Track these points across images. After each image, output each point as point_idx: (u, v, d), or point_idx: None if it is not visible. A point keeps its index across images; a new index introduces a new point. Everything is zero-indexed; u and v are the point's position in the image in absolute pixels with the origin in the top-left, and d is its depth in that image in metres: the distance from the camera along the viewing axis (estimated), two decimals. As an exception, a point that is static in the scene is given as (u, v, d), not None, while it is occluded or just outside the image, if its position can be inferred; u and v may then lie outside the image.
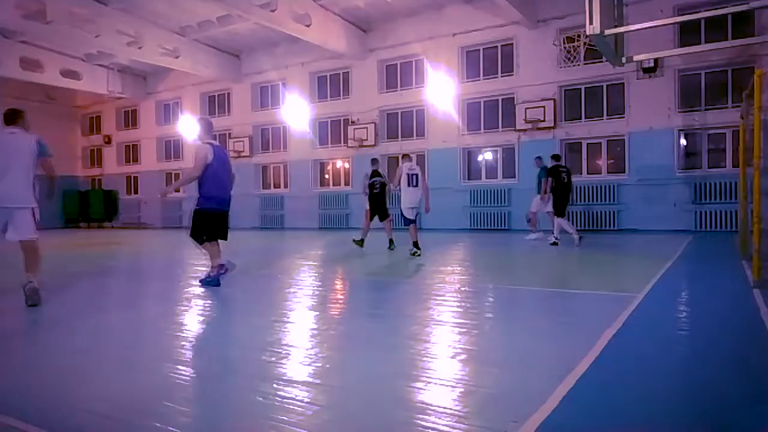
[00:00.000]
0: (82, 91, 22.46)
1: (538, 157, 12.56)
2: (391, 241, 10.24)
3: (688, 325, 4.19)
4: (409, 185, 9.26)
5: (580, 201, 14.86)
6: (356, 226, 18.71)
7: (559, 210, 10.92)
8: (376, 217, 10.46)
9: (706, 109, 13.82)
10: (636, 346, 3.55)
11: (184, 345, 3.81)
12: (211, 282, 6.19)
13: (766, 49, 12.60)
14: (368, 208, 10.37)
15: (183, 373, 3.09)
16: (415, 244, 9.13)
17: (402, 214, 9.51)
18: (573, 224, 11.14)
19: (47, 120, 21.81)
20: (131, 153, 25.99)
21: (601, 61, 13.52)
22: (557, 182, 10.83)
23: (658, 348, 3.50)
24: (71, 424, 2.43)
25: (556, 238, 10.75)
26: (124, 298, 6.17)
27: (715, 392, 2.69)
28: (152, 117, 24.75)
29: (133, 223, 24.93)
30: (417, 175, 9.36)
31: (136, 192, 25.72)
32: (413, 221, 9.34)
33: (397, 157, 18.34)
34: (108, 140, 26.11)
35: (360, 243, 10.42)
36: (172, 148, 24.56)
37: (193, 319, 4.76)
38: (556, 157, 11.45)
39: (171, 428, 2.32)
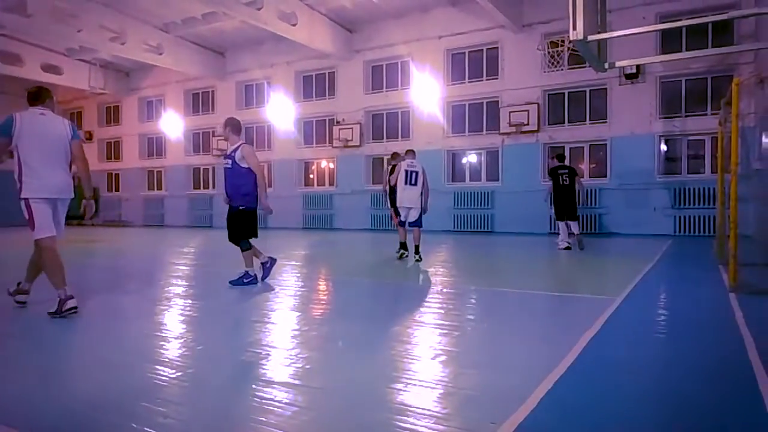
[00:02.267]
0: (63, 86, 22.07)
1: (554, 158, 12.08)
2: (403, 245, 9.08)
3: (666, 329, 4.25)
4: (406, 183, 8.58)
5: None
6: (340, 227, 18.72)
7: (558, 213, 10.56)
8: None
9: (686, 116, 14.07)
10: (614, 348, 3.59)
11: (163, 345, 3.77)
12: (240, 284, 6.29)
13: (744, 58, 12.86)
14: (391, 207, 9.31)
15: (161, 373, 3.06)
16: (403, 245, 8.90)
17: (397, 214, 8.86)
18: (576, 229, 10.52)
19: (26, 115, 21.37)
20: (112, 150, 25.65)
21: (585, 67, 13.70)
22: (555, 184, 10.54)
23: (636, 351, 3.54)
24: (48, 425, 2.39)
25: (568, 242, 10.39)
26: (103, 297, 6.08)
27: (690, 395, 2.73)
28: (135, 114, 24.45)
29: (113, 221, 24.60)
30: (417, 172, 8.64)
31: (117, 189, 25.39)
32: (405, 223, 8.75)
33: (382, 159, 18.38)
34: (89, 136, 25.70)
35: (402, 254, 8.97)
36: (154, 146, 24.29)
37: (172, 319, 4.71)
38: (559, 158, 11.05)
39: (147, 429, 2.29)
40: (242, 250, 6.32)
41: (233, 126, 6.36)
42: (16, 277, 5.04)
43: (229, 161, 6.24)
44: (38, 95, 4.74)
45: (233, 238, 6.36)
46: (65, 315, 4.44)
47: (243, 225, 6.30)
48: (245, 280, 6.23)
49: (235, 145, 6.28)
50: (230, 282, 6.26)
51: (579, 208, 10.79)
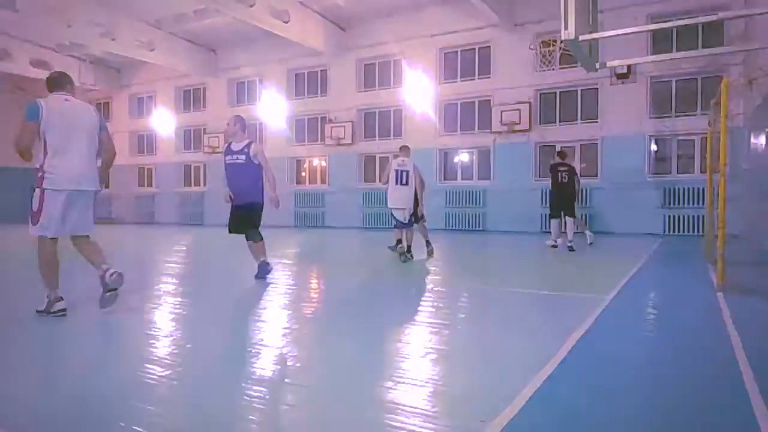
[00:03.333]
0: (53, 82, 21.85)
1: (556, 154, 11.75)
2: (409, 247, 8.52)
3: (654, 327, 4.29)
4: (396, 182, 8.30)
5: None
6: (333, 225, 18.70)
7: (553, 210, 10.53)
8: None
9: (676, 116, 14.18)
10: (603, 347, 3.61)
11: (152, 343, 3.75)
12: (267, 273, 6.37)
13: (734, 59, 12.96)
14: None
15: (151, 371, 3.04)
16: (399, 243, 8.61)
17: (392, 214, 8.60)
18: (570, 230, 10.39)
19: (16, 111, 21.12)
20: (103, 147, 25.42)
21: (576, 66, 13.73)
22: (553, 181, 10.47)
23: (625, 349, 3.57)
24: (37, 423, 2.37)
25: (554, 241, 10.40)
26: (94, 295, 6.04)
27: (677, 393, 2.76)
28: (125, 110, 24.29)
29: (103, 218, 24.39)
30: (407, 172, 8.31)
31: (107, 187, 25.12)
32: (404, 224, 8.42)
33: (375, 157, 18.39)
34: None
35: (401, 252, 8.54)
36: (145, 143, 24.14)
37: (162, 317, 4.69)
38: (560, 155, 10.82)
39: (136, 428, 2.28)
40: (255, 242, 6.31)
41: (242, 123, 6.48)
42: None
43: (243, 157, 6.26)
44: (60, 81, 4.43)
45: (244, 230, 6.35)
46: (54, 315, 4.37)
47: (255, 219, 6.39)
48: (268, 269, 6.28)
49: (244, 142, 6.34)
50: (255, 276, 6.26)
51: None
